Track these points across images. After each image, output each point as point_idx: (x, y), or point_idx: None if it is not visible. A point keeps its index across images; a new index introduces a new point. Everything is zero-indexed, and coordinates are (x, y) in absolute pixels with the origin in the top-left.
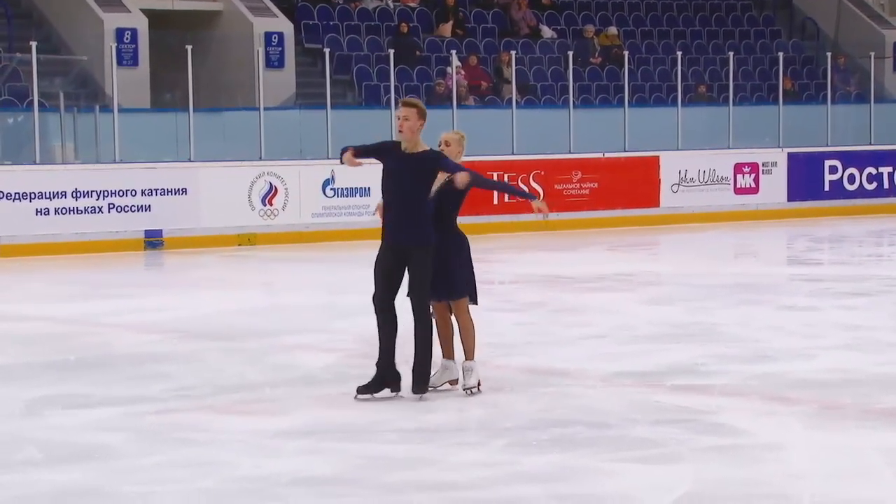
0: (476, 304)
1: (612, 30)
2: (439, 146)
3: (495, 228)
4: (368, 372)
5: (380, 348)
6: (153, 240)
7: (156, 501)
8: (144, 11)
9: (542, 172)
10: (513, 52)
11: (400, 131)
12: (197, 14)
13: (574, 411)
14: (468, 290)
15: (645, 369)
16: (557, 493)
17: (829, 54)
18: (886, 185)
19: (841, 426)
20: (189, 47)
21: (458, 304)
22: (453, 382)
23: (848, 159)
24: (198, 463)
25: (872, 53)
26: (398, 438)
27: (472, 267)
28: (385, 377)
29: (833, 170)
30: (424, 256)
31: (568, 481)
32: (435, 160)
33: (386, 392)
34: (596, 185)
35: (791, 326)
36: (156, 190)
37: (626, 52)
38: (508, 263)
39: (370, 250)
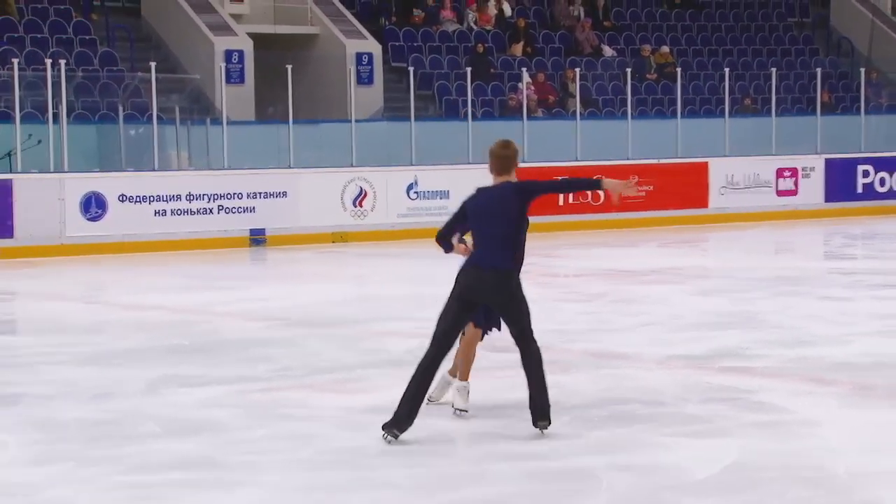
0: (486, 333)
1: (666, 49)
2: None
3: (560, 227)
4: None
5: None
6: (257, 237)
7: (260, 470)
8: (250, 35)
9: (603, 177)
10: (577, 69)
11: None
12: (296, 37)
13: (632, 391)
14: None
15: (695, 353)
16: (618, 463)
17: (862, 70)
18: None
19: (873, 405)
20: (289, 66)
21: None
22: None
23: (880, 164)
24: (297, 436)
25: None
26: (475, 414)
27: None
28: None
29: (866, 174)
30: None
31: (627, 453)
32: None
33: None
34: (651, 187)
35: (827, 315)
36: (259, 193)
37: (678, 69)
38: (572, 258)
39: None
